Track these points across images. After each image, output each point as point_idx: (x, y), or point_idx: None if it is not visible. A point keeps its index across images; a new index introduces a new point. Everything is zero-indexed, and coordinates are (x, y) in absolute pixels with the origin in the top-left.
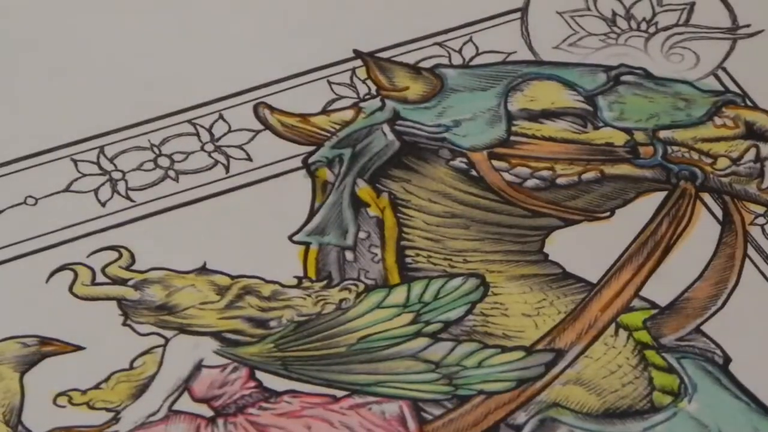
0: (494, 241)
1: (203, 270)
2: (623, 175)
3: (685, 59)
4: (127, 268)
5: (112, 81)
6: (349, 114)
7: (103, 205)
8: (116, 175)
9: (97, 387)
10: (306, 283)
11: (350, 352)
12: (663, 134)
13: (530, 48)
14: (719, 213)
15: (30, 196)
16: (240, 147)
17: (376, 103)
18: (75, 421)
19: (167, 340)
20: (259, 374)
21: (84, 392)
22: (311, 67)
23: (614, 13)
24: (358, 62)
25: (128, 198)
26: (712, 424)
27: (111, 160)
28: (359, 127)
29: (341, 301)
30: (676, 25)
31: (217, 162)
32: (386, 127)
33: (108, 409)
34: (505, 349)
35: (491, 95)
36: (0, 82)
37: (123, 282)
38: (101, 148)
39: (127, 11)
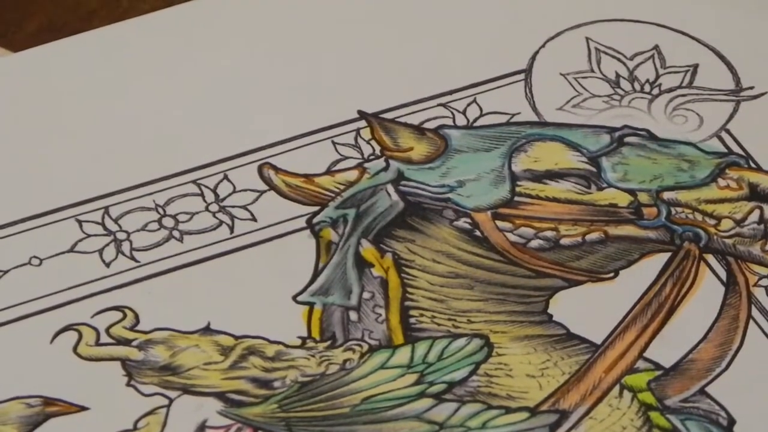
0: (498, 302)
1: (207, 330)
2: (627, 236)
3: (689, 121)
4: (131, 329)
5: (117, 141)
6: (353, 174)
7: (108, 265)
8: (121, 236)
9: None
10: (310, 344)
11: (354, 412)
12: (667, 195)
13: (534, 109)
14: (723, 274)
15: (35, 257)
16: (244, 207)
17: (381, 163)
18: None
19: (171, 401)
20: None
21: None
22: (316, 127)
23: (618, 75)
24: (363, 123)
25: (132, 258)
26: None
27: (116, 221)
28: (363, 188)
29: (345, 361)
30: (680, 87)
31: (221, 222)
32: (390, 188)
33: None
34: (509, 410)
35: (495, 156)
36: (3, 143)
37: (127, 342)
38: (106, 209)
39: (132, 73)
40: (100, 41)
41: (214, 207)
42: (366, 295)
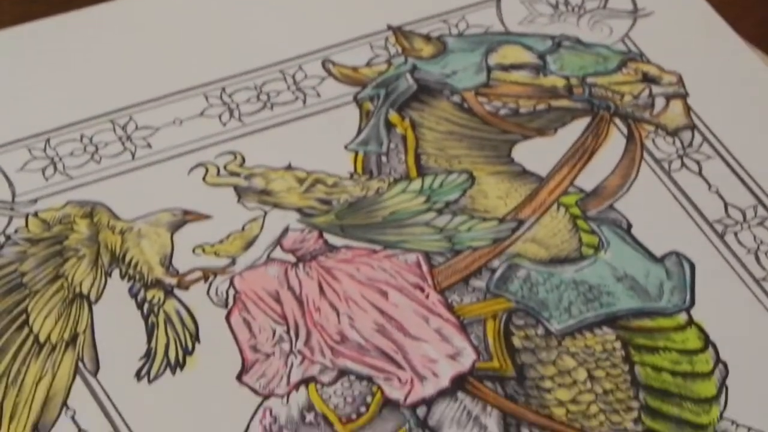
0: (478, 149)
1: (289, 167)
2: (563, 106)
3: (603, 31)
4: (240, 166)
5: (230, 39)
6: (384, 66)
7: (224, 125)
8: (232, 106)
9: (220, 242)
10: (356, 176)
11: (384, 221)
12: (589, 80)
13: (502, 23)
14: (625, 131)
15: (177, 118)
16: (313, 88)
17: (401, 59)
18: (206, 264)
19: (265, 213)
20: (325, 235)
21: (212, 245)
22: (360, 35)
23: (557, 1)
24: (390, 33)
25: (240, 120)
26: (619, 267)
27: (230, 96)
28: (390, 75)
29: (378, 188)
30: (598, 8)
31: (297, 98)
32: (408, 75)
33: (228, 257)
34: (485, 219)
35: (477, 54)
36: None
37: (237, 175)
38: (223, 88)
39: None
40: None
41: (293, 87)
42: (392, 145)
